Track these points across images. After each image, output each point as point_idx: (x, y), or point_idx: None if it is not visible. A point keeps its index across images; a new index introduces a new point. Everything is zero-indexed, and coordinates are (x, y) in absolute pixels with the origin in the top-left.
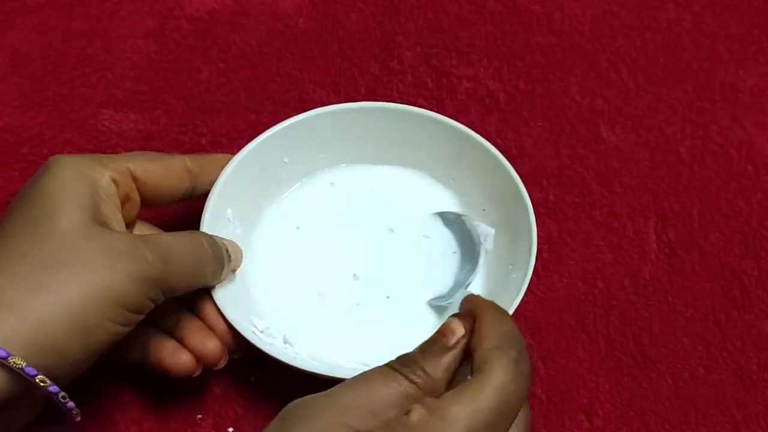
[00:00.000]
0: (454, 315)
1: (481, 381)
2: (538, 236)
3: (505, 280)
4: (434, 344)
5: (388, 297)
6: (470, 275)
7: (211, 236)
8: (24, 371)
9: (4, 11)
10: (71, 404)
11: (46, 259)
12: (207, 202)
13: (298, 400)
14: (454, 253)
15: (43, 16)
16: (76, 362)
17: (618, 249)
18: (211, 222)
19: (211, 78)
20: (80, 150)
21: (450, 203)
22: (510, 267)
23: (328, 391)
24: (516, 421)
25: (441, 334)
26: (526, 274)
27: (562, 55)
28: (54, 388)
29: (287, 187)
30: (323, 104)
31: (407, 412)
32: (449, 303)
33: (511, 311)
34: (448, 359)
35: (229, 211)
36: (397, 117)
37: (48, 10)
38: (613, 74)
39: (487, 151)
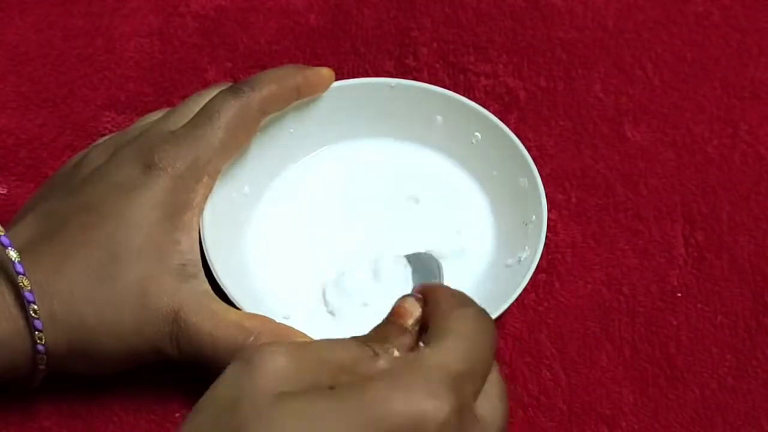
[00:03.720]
0: (406, 295)
1: (448, 333)
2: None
3: (522, 232)
4: (392, 326)
5: (408, 271)
6: None
7: None
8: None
9: (2, 8)
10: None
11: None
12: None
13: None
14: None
15: (43, 13)
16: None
17: (644, 253)
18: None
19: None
20: None
21: (461, 176)
22: (524, 224)
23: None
24: (493, 387)
25: (397, 315)
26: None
27: (585, 50)
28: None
29: (291, 161)
30: None
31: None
32: None
33: (535, 260)
34: (408, 340)
35: (246, 188)
36: (408, 92)
37: (47, 7)
38: (638, 71)
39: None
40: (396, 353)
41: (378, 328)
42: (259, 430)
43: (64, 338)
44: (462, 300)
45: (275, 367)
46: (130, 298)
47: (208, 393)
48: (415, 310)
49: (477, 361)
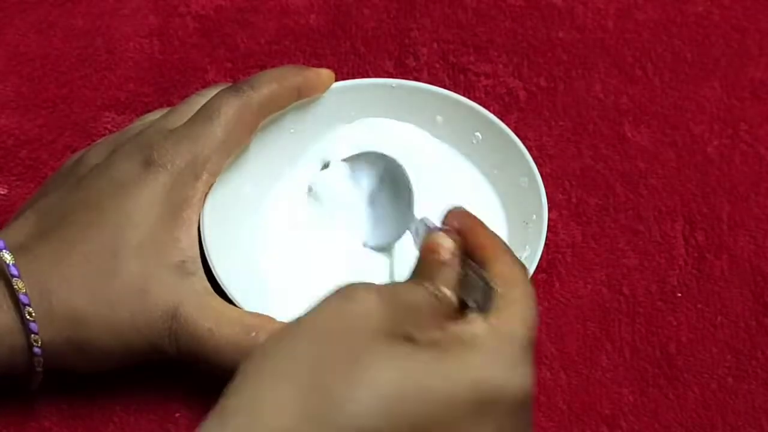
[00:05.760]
0: (435, 229)
1: (515, 297)
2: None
3: (522, 232)
4: (428, 263)
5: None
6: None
7: None
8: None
9: (2, 8)
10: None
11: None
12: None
13: None
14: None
15: (43, 13)
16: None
17: (644, 253)
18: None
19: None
20: None
21: (470, 174)
22: (524, 223)
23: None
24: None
25: (429, 250)
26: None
27: (585, 51)
28: (34, 326)
29: (291, 161)
30: None
31: (464, 323)
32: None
33: (535, 260)
34: (451, 274)
35: (246, 187)
36: (409, 93)
37: (48, 7)
38: (638, 71)
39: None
40: (448, 293)
41: (418, 269)
42: (359, 367)
43: (63, 335)
44: (510, 253)
45: (370, 307)
46: (129, 295)
47: (306, 318)
48: (445, 242)
49: (535, 323)
